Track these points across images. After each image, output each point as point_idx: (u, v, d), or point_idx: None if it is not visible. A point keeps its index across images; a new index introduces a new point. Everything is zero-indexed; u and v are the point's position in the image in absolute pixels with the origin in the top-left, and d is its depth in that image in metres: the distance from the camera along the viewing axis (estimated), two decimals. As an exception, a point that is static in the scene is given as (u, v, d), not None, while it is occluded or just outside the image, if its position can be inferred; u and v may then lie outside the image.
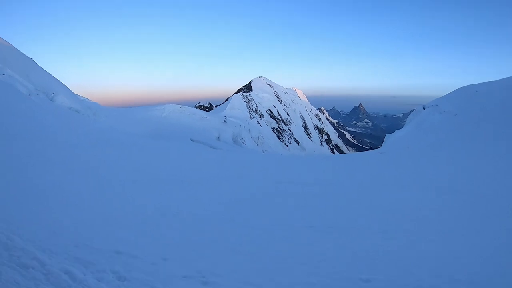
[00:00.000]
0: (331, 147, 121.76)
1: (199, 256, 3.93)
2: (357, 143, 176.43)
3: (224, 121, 48.28)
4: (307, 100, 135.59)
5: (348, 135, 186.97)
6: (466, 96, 22.01)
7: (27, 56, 21.55)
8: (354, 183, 9.44)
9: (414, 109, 28.57)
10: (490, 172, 9.08)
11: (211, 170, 11.56)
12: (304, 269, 3.59)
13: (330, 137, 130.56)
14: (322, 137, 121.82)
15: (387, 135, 26.75)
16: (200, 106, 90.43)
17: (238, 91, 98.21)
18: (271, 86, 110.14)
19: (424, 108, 25.05)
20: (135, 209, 5.87)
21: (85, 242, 3.91)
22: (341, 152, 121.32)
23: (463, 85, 25.06)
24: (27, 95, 16.73)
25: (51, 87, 19.80)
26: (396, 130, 26.83)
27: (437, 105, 23.30)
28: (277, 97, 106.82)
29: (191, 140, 26.30)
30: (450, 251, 3.96)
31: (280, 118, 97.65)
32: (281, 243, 4.53)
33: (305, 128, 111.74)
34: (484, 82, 23.65)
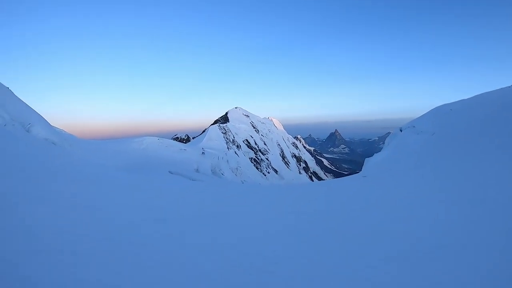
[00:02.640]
0: (310, 175, 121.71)
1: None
2: (335, 169, 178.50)
3: (202, 152, 46.80)
4: (283, 129, 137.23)
5: (325, 162, 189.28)
6: (441, 115, 22.04)
7: (4, 85, 20.01)
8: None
9: (390, 132, 28.54)
10: (475, 185, 8.85)
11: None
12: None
13: (308, 165, 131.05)
14: (300, 165, 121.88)
15: (366, 159, 26.11)
16: (177, 138, 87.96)
17: (215, 122, 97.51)
18: (248, 116, 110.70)
19: (401, 130, 24.83)
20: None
21: None
22: (319, 179, 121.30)
23: (437, 105, 25.36)
24: (3, 125, 15.57)
25: (28, 118, 18.59)
26: (374, 154, 26.31)
27: (413, 126, 23.11)
28: (254, 127, 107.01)
29: (170, 172, 24.44)
30: None
31: (257, 148, 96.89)
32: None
33: (283, 157, 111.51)
34: (458, 101, 24.05)
